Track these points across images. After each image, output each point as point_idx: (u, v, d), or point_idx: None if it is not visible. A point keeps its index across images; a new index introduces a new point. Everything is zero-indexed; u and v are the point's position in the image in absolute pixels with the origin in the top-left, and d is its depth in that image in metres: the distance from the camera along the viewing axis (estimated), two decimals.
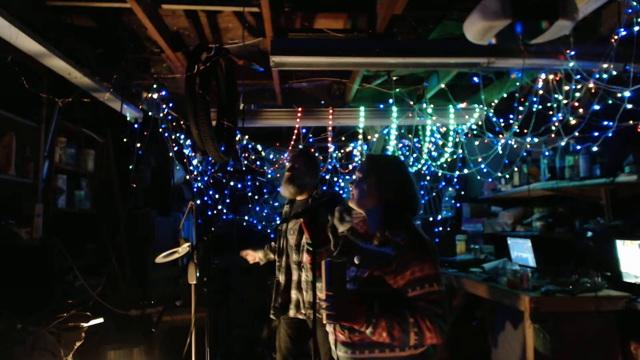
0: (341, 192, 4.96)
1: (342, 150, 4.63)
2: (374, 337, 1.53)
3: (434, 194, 5.39)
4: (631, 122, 2.82)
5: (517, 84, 3.70)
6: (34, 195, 3.18)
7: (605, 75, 2.81)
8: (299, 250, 2.65)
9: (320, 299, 1.58)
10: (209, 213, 4.61)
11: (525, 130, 3.46)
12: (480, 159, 4.10)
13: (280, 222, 2.87)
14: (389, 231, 1.68)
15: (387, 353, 1.59)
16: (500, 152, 3.96)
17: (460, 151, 4.38)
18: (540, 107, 3.35)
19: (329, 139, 4.31)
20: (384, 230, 1.69)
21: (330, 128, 4.29)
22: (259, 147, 4.53)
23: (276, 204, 5.93)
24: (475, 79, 3.77)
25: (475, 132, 4.19)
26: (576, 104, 3.05)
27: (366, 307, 1.53)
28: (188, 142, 4.20)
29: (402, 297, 1.56)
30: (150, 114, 3.92)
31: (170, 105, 3.93)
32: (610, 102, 2.81)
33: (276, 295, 2.76)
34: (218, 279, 3.94)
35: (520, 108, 3.54)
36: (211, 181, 4.55)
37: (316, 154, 4.51)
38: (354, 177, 1.87)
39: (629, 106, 2.69)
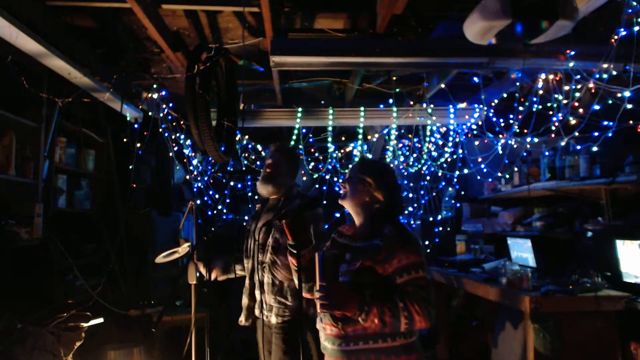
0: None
1: (342, 150, 4.62)
2: (366, 324, 1.60)
3: (434, 194, 5.39)
4: (631, 122, 2.82)
5: (517, 84, 3.70)
6: (34, 195, 3.18)
7: (605, 75, 2.81)
8: (264, 250, 2.53)
9: (315, 291, 1.65)
10: (209, 213, 4.61)
11: (525, 130, 3.46)
12: (480, 159, 4.10)
13: (249, 221, 2.76)
14: (375, 227, 1.79)
15: (380, 344, 1.65)
16: (500, 152, 3.96)
17: (460, 151, 4.38)
18: (540, 107, 3.35)
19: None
20: (370, 228, 1.81)
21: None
22: (259, 147, 4.53)
23: None
24: (475, 79, 3.77)
25: (475, 132, 4.18)
26: (576, 104, 3.05)
27: (358, 296, 1.61)
28: (188, 142, 4.19)
29: (391, 285, 1.65)
30: (150, 114, 3.92)
31: (170, 105, 3.93)
32: (610, 102, 2.81)
33: (248, 298, 2.64)
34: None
35: (520, 108, 3.54)
36: (211, 181, 4.54)
37: (316, 154, 4.54)
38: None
39: (629, 106, 2.69)
